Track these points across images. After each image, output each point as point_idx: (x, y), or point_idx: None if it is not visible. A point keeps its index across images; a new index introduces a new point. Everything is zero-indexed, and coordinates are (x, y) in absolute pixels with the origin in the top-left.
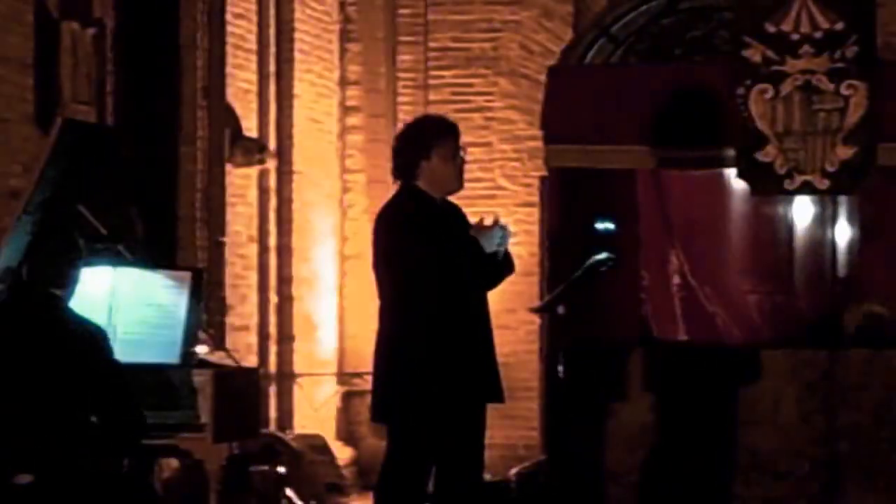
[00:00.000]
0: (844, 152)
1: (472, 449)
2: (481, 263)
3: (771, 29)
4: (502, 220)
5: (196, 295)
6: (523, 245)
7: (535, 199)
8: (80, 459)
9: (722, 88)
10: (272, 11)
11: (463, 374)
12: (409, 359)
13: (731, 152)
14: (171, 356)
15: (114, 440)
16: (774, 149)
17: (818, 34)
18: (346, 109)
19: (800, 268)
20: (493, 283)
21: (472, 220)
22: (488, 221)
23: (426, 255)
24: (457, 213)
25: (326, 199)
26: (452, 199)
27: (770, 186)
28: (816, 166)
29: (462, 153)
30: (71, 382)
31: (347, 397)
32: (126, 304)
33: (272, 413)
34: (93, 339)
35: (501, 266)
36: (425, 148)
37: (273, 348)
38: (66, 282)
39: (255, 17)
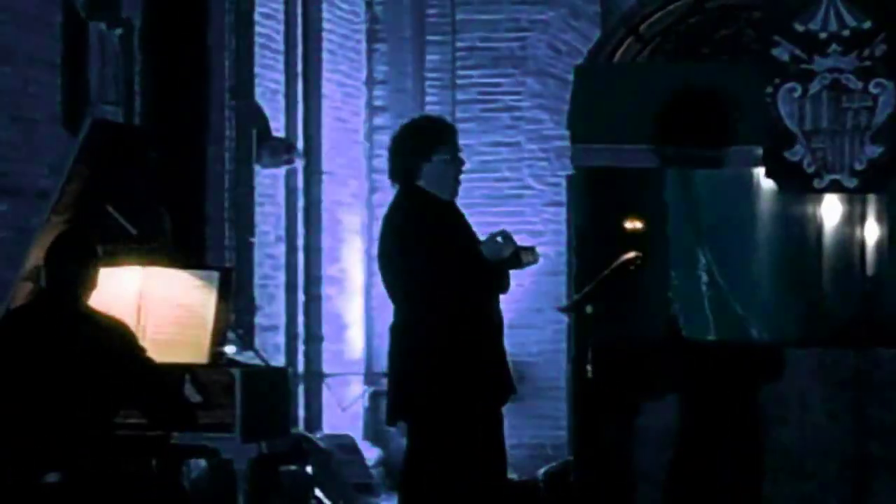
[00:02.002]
0: (873, 151)
1: (493, 449)
2: (486, 266)
3: (799, 28)
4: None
5: (225, 295)
6: (551, 244)
7: (563, 198)
8: (109, 458)
9: (750, 87)
10: (300, 11)
11: (481, 372)
12: (429, 358)
13: (759, 151)
14: (200, 356)
15: (164, 426)
16: (803, 147)
17: (846, 33)
18: (373, 109)
19: (828, 266)
20: (497, 289)
21: (497, 216)
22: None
23: (443, 253)
24: (458, 212)
25: (354, 198)
26: (472, 199)
27: (798, 185)
28: (845, 165)
29: (461, 155)
30: (97, 381)
31: (376, 397)
32: (155, 304)
33: (301, 413)
34: (119, 335)
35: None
36: (427, 149)
37: (301, 348)
38: (82, 281)
39: (282, 17)
